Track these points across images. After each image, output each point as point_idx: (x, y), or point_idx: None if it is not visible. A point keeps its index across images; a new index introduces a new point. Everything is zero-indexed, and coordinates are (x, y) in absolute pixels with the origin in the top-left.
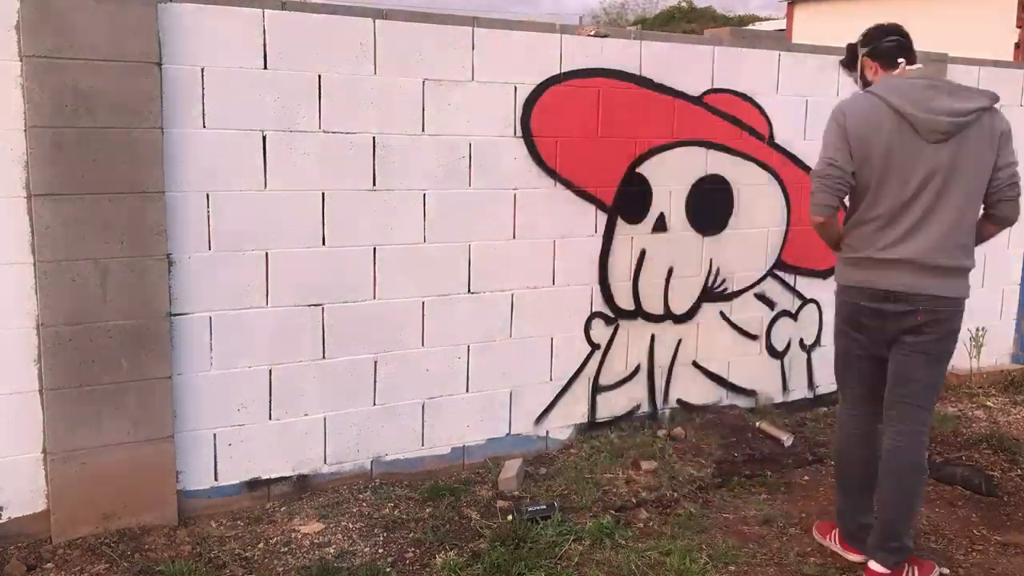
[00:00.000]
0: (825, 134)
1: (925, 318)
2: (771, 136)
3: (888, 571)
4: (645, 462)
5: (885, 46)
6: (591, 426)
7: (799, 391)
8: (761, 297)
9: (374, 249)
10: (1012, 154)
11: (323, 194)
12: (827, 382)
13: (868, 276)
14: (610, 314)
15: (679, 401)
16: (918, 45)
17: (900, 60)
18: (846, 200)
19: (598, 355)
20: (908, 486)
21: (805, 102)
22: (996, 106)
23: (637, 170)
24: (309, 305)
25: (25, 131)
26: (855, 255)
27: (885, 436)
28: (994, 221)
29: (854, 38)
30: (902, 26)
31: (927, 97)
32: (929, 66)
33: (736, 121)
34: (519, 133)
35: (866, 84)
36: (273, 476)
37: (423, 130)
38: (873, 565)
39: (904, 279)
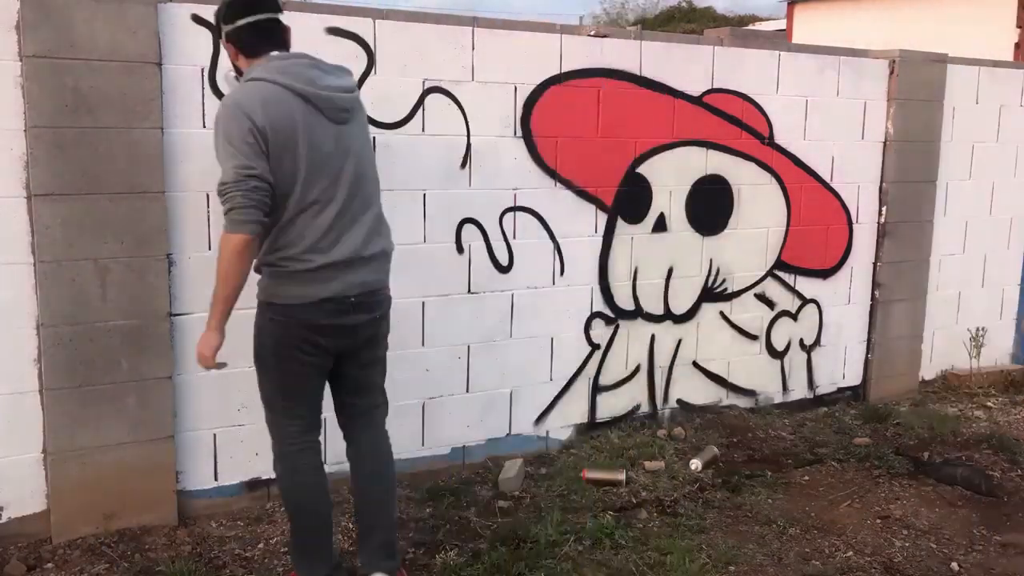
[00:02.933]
0: (227, 136)
1: (382, 313)
2: (771, 136)
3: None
4: (645, 462)
5: (246, 32)
6: (591, 426)
7: (799, 391)
8: (761, 297)
9: None
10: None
11: None
12: (827, 382)
13: (323, 287)
14: (610, 314)
15: (679, 401)
16: (918, 45)
17: (272, 52)
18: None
19: (598, 355)
20: (394, 484)
21: (805, 102)
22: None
23: (637, 170)
24: None
25: (25, 131)
26: (301, 267)
27: (363, 444)
28: None
29: (854, 38)
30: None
31: (316, 76)
32: (929, 66)
33: (736, 121)
34: (519, 133)
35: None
36: (273, 476)
37: (423, 130)
38: None
39: (363, 278)
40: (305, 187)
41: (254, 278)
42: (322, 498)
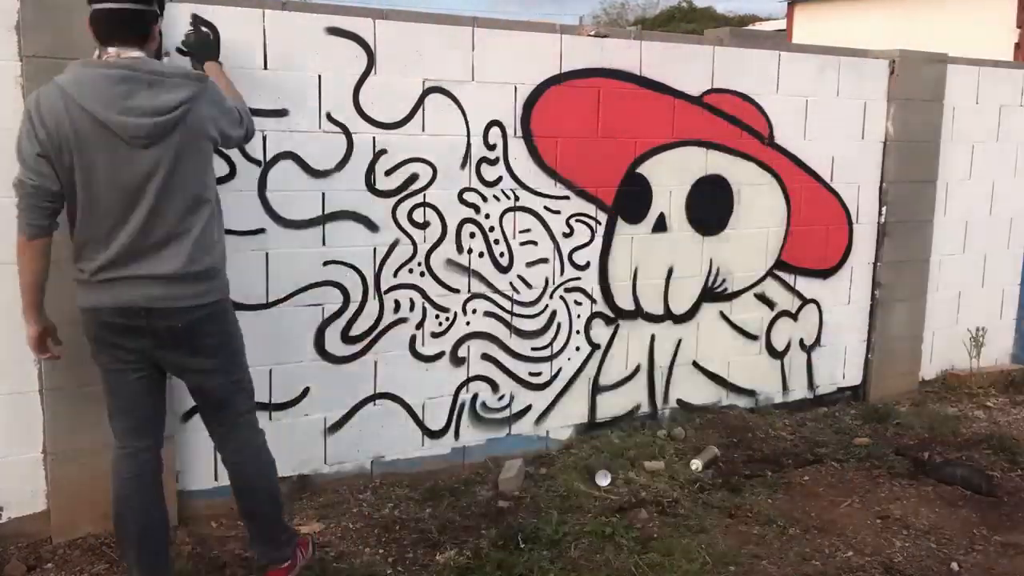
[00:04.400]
0: (18, 140)
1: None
2: (771, 136)
3: (290, 562)
4: (645, 462)
5: (96, 18)
6: (591, 426)
7: (799, 391)
8: (761, 297)
9: (374, 249)
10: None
11: (323, 194)
12: (827, 382)
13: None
14: (610, 314)
15: (679, 401)
16: (918, 45)
17: (110, 49)
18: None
19: (598, 355)
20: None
21: (805, 102)
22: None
23: (637, 170)
24: (308, 305)
25: None
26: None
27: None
28: None
29: (854, 38)
30: None
31: (120, 94)
32: (929, 66)
33: (736, 121)
34: (519, 133)
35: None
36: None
37: (423, 130)
38: (276, 571)
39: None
40: (82, 202)
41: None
42: (130, 508)
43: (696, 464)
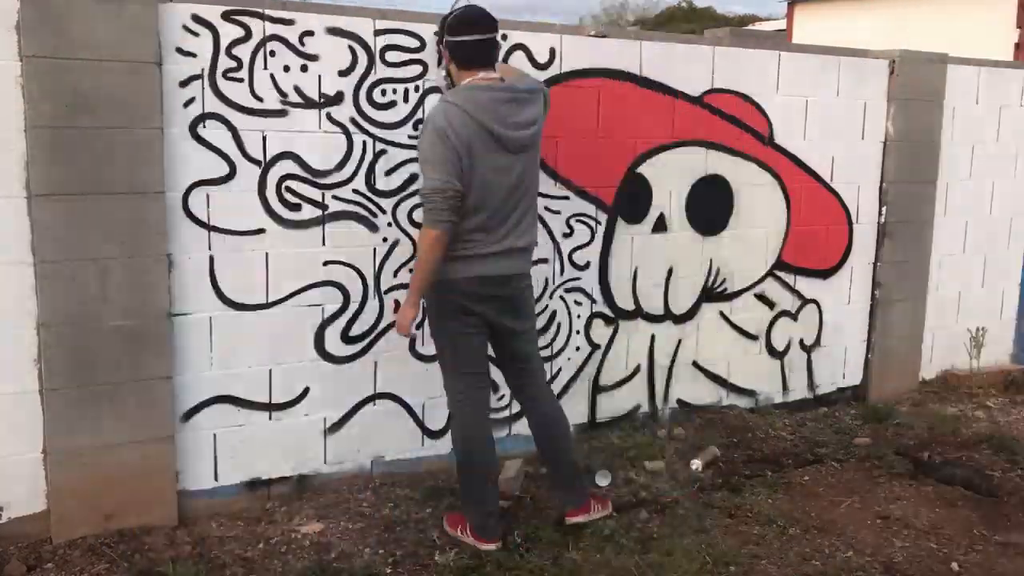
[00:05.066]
0: (429, 153)
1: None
2: (771, 136)
3: (586, 505)
4: (645, 462)
5: (463, 47)
6: (591, 426)
7: (799, 391)
8: (761, 297)
9: (374, 250)
10: None
11: (323, 194)
12: (827, 382)
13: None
14: (610, 314)
15: (679, 401)
16: (918, 45)
17: (479, 73)
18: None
19: (598, 355)
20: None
21: (805, 102)
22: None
23: (637, 170)
24: (308, 305)
25: (25, 131)
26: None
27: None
28: None
29: (854, 38)
30: (488, 13)
31: (505, 113)
32: (929, 66)
33: (736, 121)
34: None
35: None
36: (273, 476)
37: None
38: (577, 514)
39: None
40: (476, 199)
41: None
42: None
43: (696, 464)
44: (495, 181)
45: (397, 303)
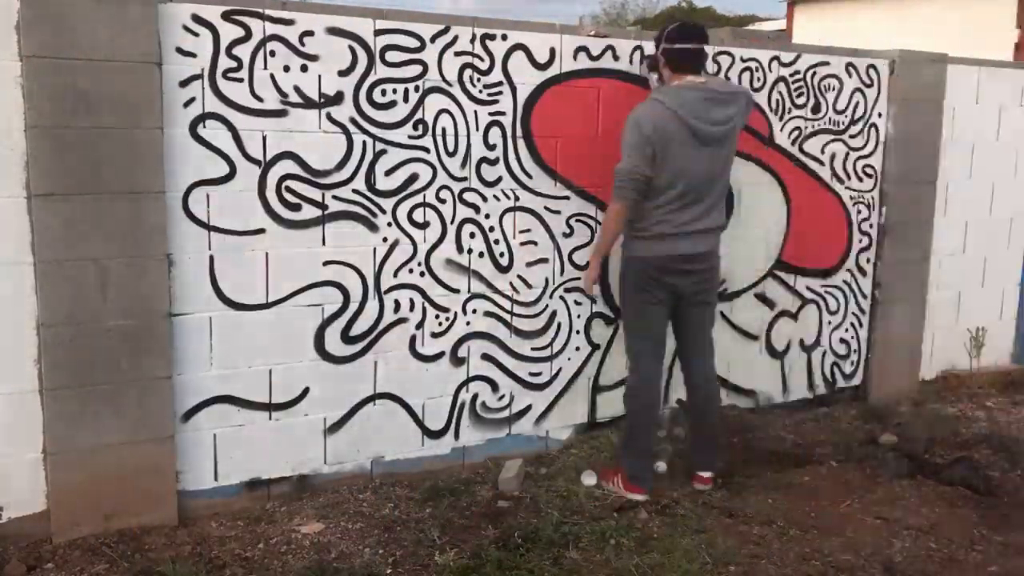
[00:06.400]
0: (629, 140)
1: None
2: (771, 136)
3: (711, 482)
4: None
5: (678, 54)
6: (591, 426)
7: (799, 391)
8: (761, 297)
9: (374, 250)
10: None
11: (323, 194)
12: (827, 382)
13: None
14: (610, 314)
15: (679, 401)
16: (918, 45)
17: (688, 76)
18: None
19: (598, 355)
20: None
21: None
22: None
23: None
24: (308, 305)
25: (25, 131)
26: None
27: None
28: None
29: (853, 38)
30: (702, 27)
31: (704, 111)
32: (929, 66)
33: None
34: (519, 133)
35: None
36: (273, 476)
37: (417, 129)
38: (707, 475)
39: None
40: (668, 183)
41: None
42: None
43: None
44: (690, 169)
45: (397, 303)
